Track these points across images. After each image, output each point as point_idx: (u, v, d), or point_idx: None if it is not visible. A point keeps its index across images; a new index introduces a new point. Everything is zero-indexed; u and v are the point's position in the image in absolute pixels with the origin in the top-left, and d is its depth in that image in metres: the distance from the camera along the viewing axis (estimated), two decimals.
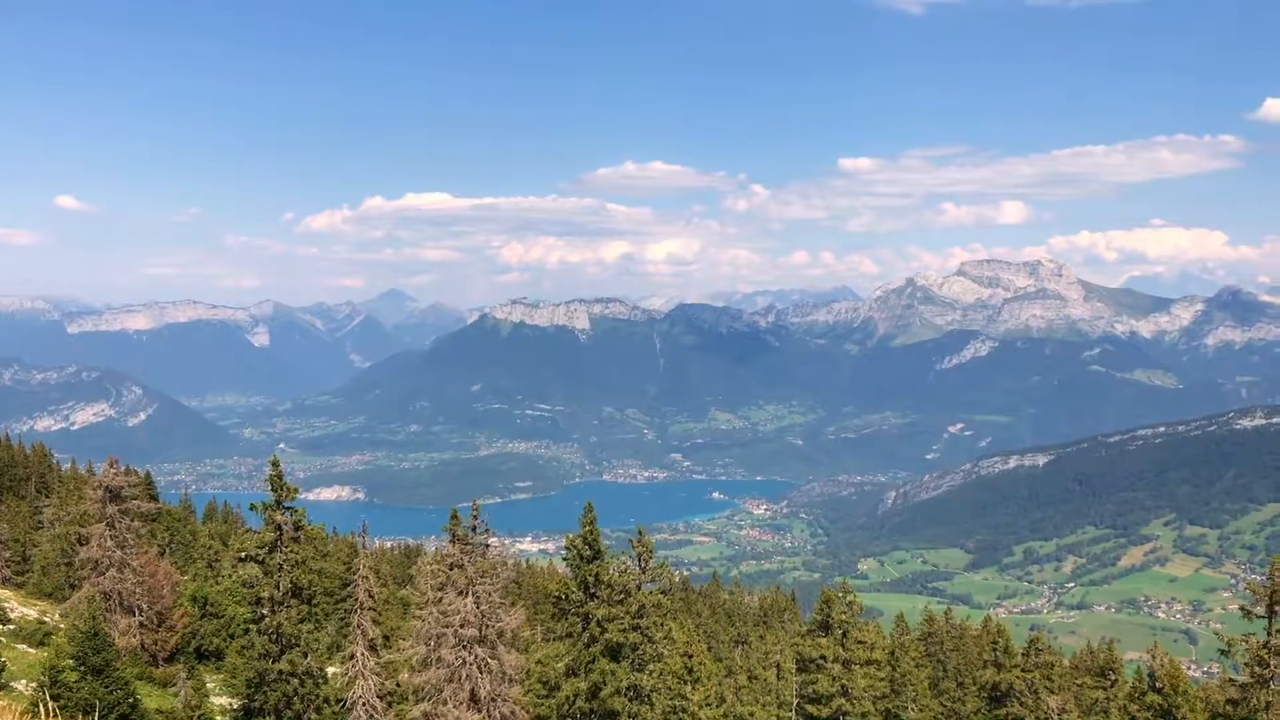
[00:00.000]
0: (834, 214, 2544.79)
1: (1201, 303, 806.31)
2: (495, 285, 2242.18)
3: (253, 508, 42.47)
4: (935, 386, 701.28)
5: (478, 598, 37.13)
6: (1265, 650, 35.22)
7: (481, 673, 36.87)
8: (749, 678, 74.33)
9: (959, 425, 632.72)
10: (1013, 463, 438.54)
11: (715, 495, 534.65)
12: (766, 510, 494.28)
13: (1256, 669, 35.50)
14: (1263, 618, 35.62)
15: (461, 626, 36.56)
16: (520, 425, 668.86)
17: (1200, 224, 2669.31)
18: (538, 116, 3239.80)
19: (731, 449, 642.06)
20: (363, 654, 41.77)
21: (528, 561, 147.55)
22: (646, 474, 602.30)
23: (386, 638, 50.79)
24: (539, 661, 46.52)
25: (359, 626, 42.31)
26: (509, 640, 38.59)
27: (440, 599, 37.27)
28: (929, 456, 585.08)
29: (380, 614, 49.28)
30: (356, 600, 42.87)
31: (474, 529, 38.35)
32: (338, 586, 66.37)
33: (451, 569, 37.72)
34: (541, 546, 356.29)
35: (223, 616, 59.39)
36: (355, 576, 42.90)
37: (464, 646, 36.80)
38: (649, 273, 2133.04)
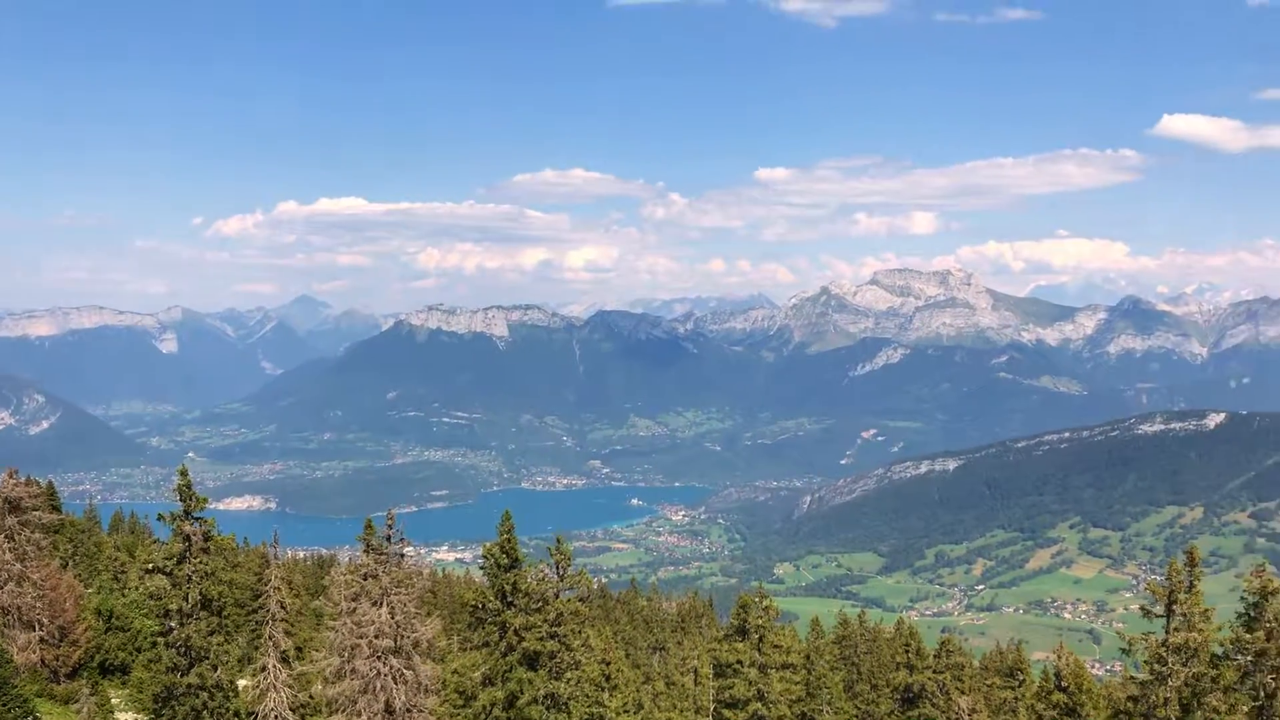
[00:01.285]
0: (750, 223, 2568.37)
1: (1104, 312, 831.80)
2: (411, 291, 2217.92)
3: (161, 518, 41.47)
4: (849, 393, 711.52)
5: (393, 608, 36.70)
6: (1164, 649, 36.35)
7: (397, 683, 36.44)
8: (666, 684, 74.58)
9: (872, 431, 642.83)
10: (924, 467, 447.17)
11: (634, 502, 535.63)
12: (685, 516, 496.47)
13: (1156, 667, 36.61)
14: (1162, 617, 36.76)
15: (376, 637, 36.10)
16: (437, 433, 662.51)
17: (1103, 235, 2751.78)
18: (456, 122, 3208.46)
19: (651, 455, 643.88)
20: (275, 666, 41.02)
21: (444, 571, 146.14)
22: (565, 481, 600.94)
23: (299, 649, 49.90)
24: (455, 671, 46.12)
25: (271, 638, 41.56)
26: (425, 650, 38.20)
27: (354, 609, 36.75)
28: (843, 462, 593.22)
29: (293, 625, 48.43)
30: (268, 612, 42.10)
31: (389, 538, 37.93)
32: (249, 598, 65.02)
33: (366, 579, 37.23)
34: (458, 555, 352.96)
35: (129, 630, 57.76)
36: (267, 587, 42.15)
37: (379, 657, 36.34)
38: (568, 280, 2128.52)
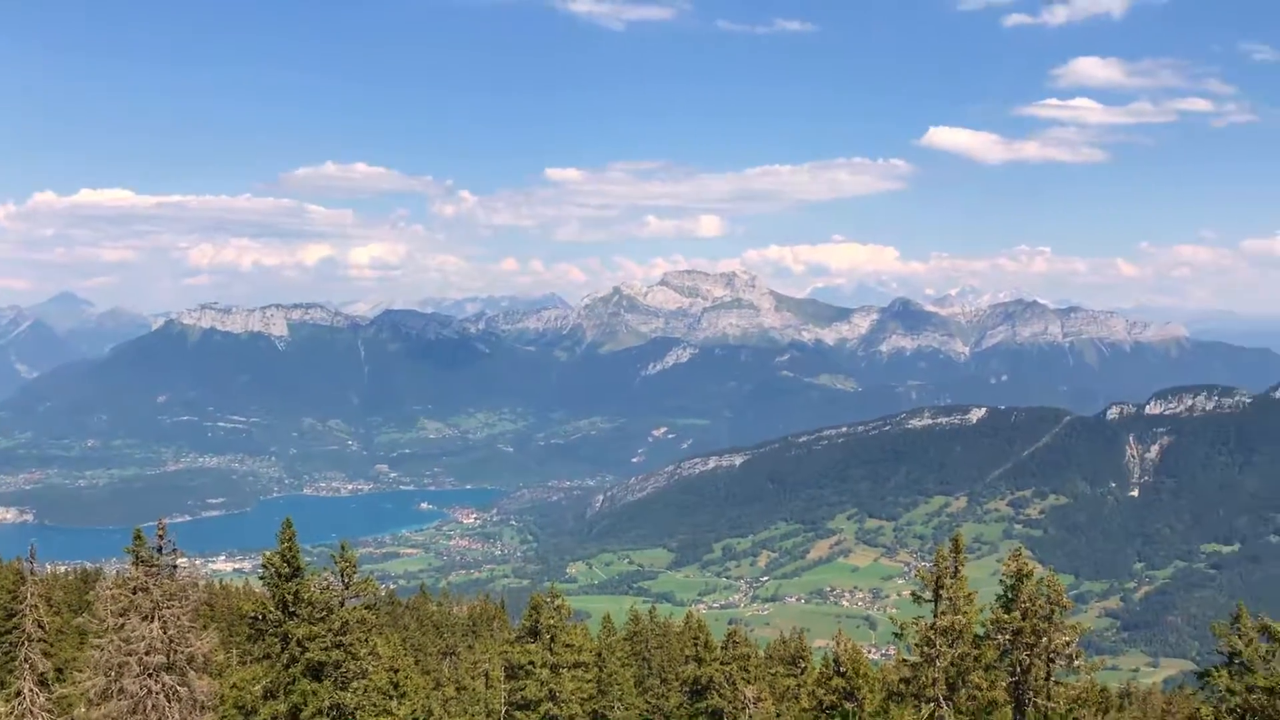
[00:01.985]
0: (542, 223, 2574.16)
1: (877, 313, 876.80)
2: (183, 289, 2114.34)
3: None
4: (641, 392, 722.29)
5: (165, 622, 34.70)
6: (932, 631, 38.48)
7: (170, 701, 34.48)
8: (457, 688, 73.67)
9: (663, 429, 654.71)
10: (712, 464, 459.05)
11: (424, 506, 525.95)
12: (476, 519, 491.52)
13: (925, 649, 38.71)
14: (930, 601, 38.92)
15: (147, 654, 34.05)
16: (212, 439, 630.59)
17: (875, 240, 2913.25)
18: (231, 110, 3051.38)
19: (441, 458, 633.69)
20: (31, 690, 38.13)
21: (221, 582, 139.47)
22: (351, 486, 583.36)
23: (60, 671, 46.60)
24: (234, 686, 44.09)
25: (26, 660, 38.61)
26: (201, 665, 36.29)
27: (122, 625, 34.54)
28: (635, 460, 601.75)
29: (52, 645, 45.15)
30: (24, 632, 39.10)
31: (160, 549, 35.87)
32: (2, 618, 60.20)
33: (135, 593, 35.06)
34: (237, 565, 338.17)
35: None
36: (23, 606, 39.14)
37: (150, 675, 34.29)
38: (352, 277, 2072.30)
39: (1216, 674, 36.38)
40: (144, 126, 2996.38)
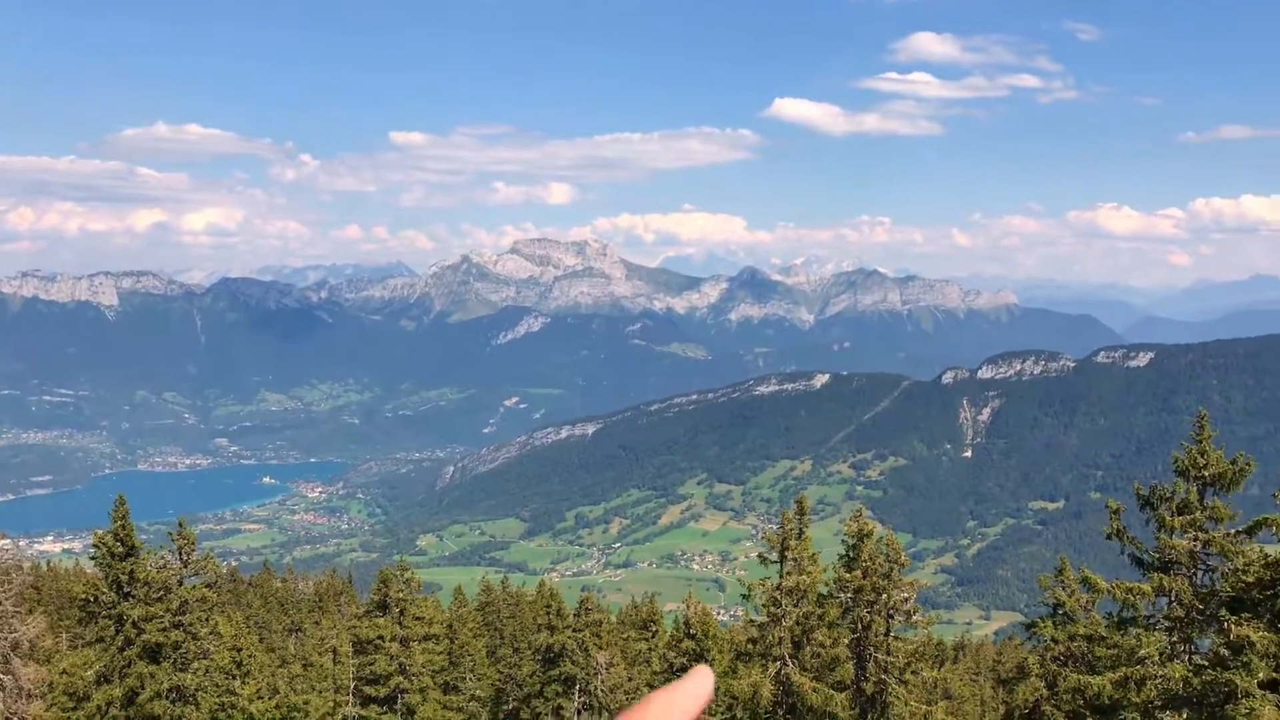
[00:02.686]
0: (387, 188, 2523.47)
1: (726, 282, 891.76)
2: (2, 255, 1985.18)
3: None
4: (492, 362, 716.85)
5: None
6: (778, 592, 39.50)
7: None
8: (304, 665, 72.15)
9: (514, 399, 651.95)
10: (564, 433, 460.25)
11: (266, 480, 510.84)
12: (321, 493, 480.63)
13: (771, 609, 39.72)
14: (776, 563, 39.92)
15: None
16: (36, 413, 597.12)
17: (724, 210, 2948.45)
18: (51, 65, 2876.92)
19: (284, 431, 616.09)
20: None
21: (49, 563, 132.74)
22: (189, 461, 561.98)
23: None
24: (64, 672, 42.09)
25: None
26: (26, 652, 34.51)
27: None
28: (486, 430, 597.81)
29: None
30: None
31: None
32: None
33: None
34: (66, 546, 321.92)
35: None
36: None
37: None
38: (187, 244, 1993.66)
39: (1042, 624, 38.52)
40: None
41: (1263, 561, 27.21)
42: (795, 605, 39.08)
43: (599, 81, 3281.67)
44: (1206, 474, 29.16)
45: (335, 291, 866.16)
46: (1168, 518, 29.56)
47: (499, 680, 73.20)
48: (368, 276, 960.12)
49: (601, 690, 55.02)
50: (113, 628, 38.56)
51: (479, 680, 69.09)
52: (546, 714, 58.55)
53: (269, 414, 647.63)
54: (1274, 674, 25.67)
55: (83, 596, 39.54)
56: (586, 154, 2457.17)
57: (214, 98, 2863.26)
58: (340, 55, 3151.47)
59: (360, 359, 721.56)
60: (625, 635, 76.14)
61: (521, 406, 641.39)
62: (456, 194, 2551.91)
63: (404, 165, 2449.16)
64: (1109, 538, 31.44)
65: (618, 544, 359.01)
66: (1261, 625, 26.24)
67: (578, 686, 56.23)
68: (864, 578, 37.15)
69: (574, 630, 59.12)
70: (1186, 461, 29.36)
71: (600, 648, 58.76)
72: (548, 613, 63.93)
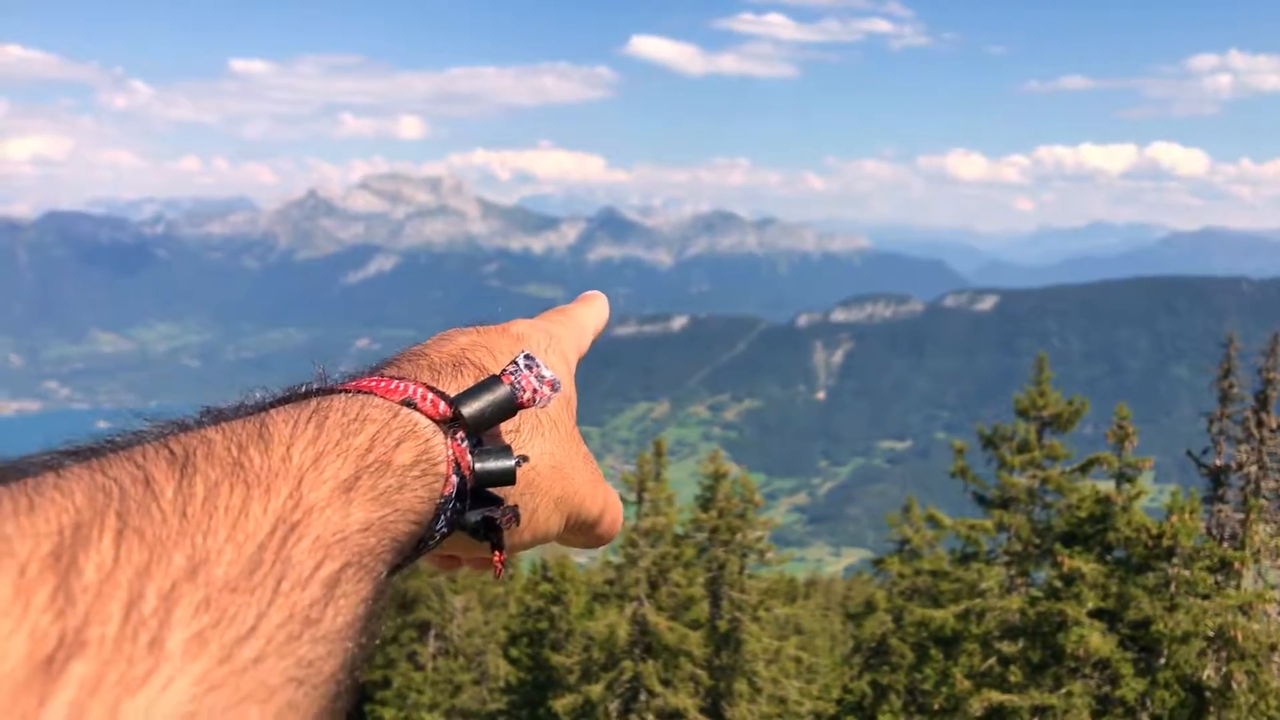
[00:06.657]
0: (228, 118, 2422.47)
1: (584, 222, 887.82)
2: None
3: None
4: (341, 301, 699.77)
5: None
6: (635, 533, 39.71)
7: None
8: None
9: (366, 340, 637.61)
10: None
11: (101, 425, 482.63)
12: None
13: (629, 550, 39.93)
14: (633, 504, 40.09)
15: None
16: None
17: (582, 148, 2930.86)
18: None
19: (119, 373, 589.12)
20: None
21: None
22: (15, 406, 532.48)
23: None
24: None
25: None
26: None
27: None
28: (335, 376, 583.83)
29: None
30: None
31: None
32: None
33: None
34: None
35: None
36: None
37: None
38: (10, 174, 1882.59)
39: (889, 560, 39.81)
40: None
41: (1094, 498, 28.50)
42: (652, 546, 39.35)
43: (451, 11, 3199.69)
44: (1045, 414, 30.34)
45: (172, 226, 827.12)
46: (1008, 457, 30.70)
47: None
48: (207, 211, 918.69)
49: (458, 635, 54.73)
50: None
51: None
52: (400, 659, 57.95)
53: (102, 355, 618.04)
54: (1101, 603, 27.05)
55: None
56: (439, 87, 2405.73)
57: (35, 18, 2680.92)
58: None
59: (200, 298, 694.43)
60: (482, 579, 75.85)
61: (373, 348, 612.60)
62: (302, 126, 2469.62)
63: (245, 95, 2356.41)
64: (953, 476, 32.49)
65: None
66: (1091, 558, 27.55)
67: (433, 631, 55.77)
68: (719, 518, 37.61)
69: (430, 575, 58.41)
70: (1026, 402, 30.48)
71: (456, 592, 58.27)
72: None
